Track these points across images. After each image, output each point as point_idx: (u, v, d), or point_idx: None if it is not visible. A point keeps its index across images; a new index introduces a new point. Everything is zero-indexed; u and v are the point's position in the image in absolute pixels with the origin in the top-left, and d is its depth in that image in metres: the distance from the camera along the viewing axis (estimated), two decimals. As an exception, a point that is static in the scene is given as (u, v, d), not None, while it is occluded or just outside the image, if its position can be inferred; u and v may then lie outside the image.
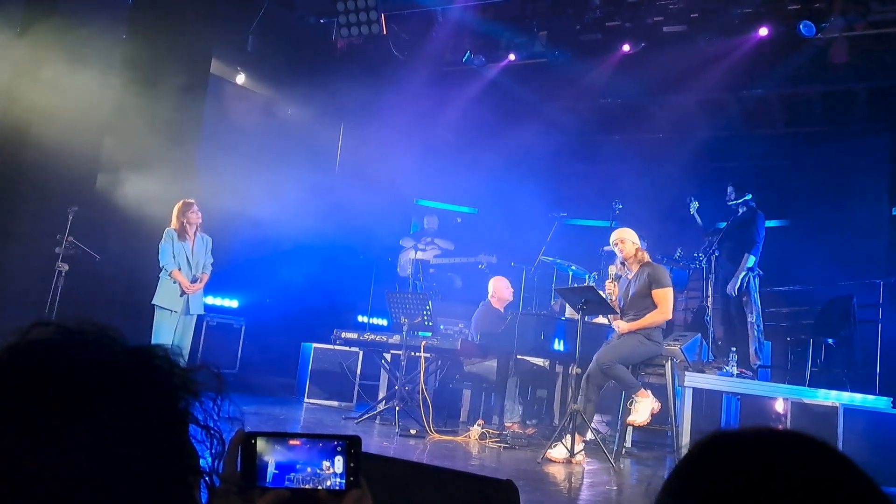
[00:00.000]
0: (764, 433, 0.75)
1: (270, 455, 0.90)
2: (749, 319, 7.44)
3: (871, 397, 6.33)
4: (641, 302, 5.86)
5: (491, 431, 6.41)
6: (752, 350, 7.35)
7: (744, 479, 0.70)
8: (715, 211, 8.13)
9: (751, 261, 7.44)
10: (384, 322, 9.99)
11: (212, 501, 0.89)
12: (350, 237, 9.55)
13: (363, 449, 0.93)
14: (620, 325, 5.86)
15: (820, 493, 0.69)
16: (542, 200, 9.44)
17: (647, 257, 6.06)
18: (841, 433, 5.43)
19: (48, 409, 0.76)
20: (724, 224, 7.98)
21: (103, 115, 7.67)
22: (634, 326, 5.82)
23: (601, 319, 6.96)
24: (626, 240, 6.02)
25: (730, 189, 7.78)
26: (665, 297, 5.82)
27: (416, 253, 9.67)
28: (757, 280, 7.52)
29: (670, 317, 5.88)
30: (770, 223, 8.04)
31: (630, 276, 6.00)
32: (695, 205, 8.00)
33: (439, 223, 10.52)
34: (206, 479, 0.88)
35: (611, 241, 6.16)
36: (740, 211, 7.75)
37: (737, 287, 7.44)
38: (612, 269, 6.19)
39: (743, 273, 7.43)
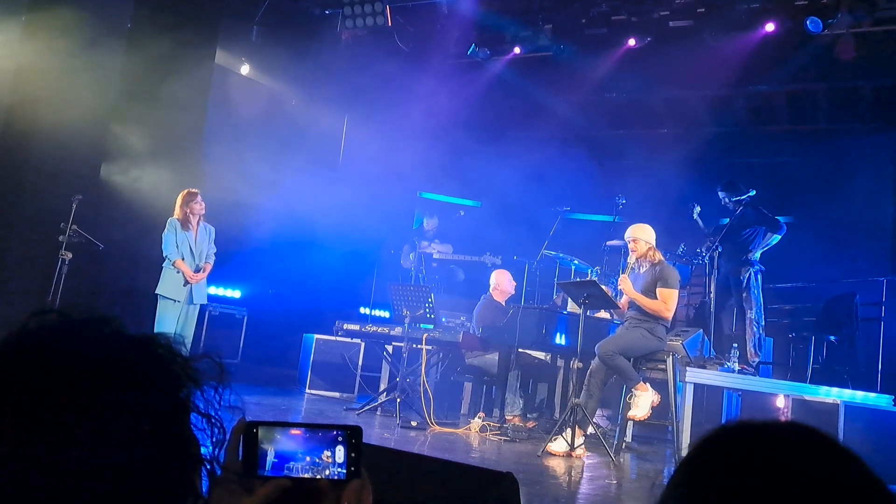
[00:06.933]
0: (771, 426, 0.75)
1: (271, 444, 0.90)
2: (748, 315, 7.37)
3: (872, 395, 6.33)
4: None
5: (491, 424, 6.43)
6: (749, 346, 7.29)
7: (753, 470, 0.70)
8: (717, 208, 8.08)
9: (775, 239, 7.39)
10: (386, 314, 10.00)
11: (212, 490, 0.89)
12: (353, 229, 9.55)
13: (364, 440, 0.93)
14: (624, 284, 5.91)
15: (827, 482, 0.69)
16: (546, 194, 9.42)
17: (658, 256, 6.06)
18: (841, 430, 5.43)
19: (48, 398, 0.76)
20: (725, 220, 7.92)
21: (108, 104, 7.67)
22: (637, 297, 5.86)
23: (603, 314, 6.96)
24: (639, 239, 6.05)
25: (721, 194, 7.53)
26: (669, 297, 5.84)
27: (413, 256, 9.66)
28: (759, 276, 7.47)
29: (669, 316, 5.88)
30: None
31: (641, 272, 6.02)
32: (697, 209, 7.89)
33: (441, 219, 10.46)
34: (207, 467, 0.88)
35: (625, 237, 6.17)
36: (738, 210, 7.59)
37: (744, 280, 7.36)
38: (632, 260, 6.17)
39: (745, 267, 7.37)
